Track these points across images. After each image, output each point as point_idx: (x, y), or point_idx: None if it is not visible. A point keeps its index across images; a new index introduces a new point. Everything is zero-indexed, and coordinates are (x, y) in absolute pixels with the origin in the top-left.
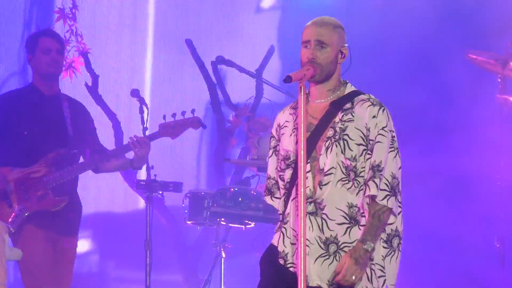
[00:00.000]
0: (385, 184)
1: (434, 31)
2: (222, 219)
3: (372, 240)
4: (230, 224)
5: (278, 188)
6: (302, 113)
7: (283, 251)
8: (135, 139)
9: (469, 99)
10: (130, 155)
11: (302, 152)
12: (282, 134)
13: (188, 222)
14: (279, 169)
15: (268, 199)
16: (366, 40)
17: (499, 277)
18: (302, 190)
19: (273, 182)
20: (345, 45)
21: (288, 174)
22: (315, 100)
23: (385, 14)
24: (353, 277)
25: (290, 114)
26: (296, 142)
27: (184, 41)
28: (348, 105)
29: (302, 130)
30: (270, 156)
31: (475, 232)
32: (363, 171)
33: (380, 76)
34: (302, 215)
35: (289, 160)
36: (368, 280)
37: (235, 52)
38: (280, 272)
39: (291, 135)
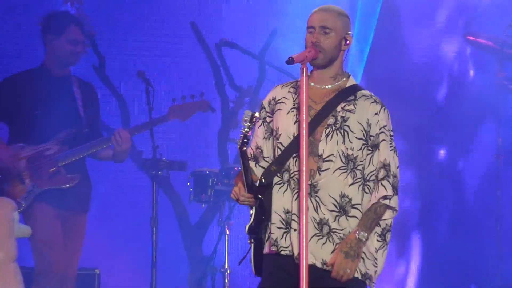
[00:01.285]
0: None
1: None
2: (226, 197)
3: (366, 230)
4: (233, 202)
5: (263, 158)
6: (303, 94)
7: (272, 238)
8: (117, 135)
9: (466, 80)
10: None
11: (304, 134)
12: (278, 109)
13: (193, 200)
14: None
15: (252, 164)
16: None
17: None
18: (304, 175)
19: (260, 151)
20: (349, 32)
21: (268, 152)
22: (316, 84)
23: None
24: (348, 271)
25: (289, 92)
26: (295, 122)
27: (189, 23)
28: (351, 97)
29: (304, 112)
30: (260, 126)
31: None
32: (361, 164)
33: (386, 65)
34: (303, 209)
35: (278, 140)
36: (361, 263)
37: (239, 35)
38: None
39: (288, 113)
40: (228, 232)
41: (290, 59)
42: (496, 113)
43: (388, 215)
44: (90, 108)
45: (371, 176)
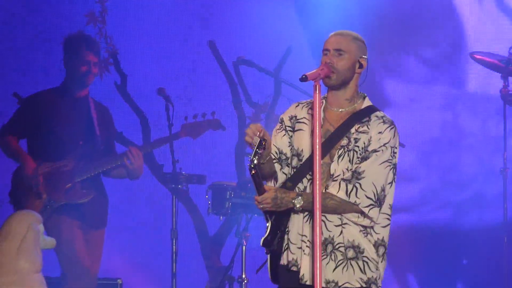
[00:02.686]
0: (373, 192)
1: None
2: (243, 209)
3: (305, 201)
4: (250, 214)
5: (287, 164)
6: (316, 111)
7: (293, 259)
8: (129, 153)
9: (472, 97)
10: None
11: (317, 153)
12: (299, 129)
13: (211, 213)
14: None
15: (277, 167)
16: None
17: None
18: (317, 194)
19: (284, 157)
20: (364, 56)
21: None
22: (333, 107)
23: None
24: (261, 206)
25: (308, 113)
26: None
27: (207, 42)
28: (365, 119)
29: (317, 129)
30: (284, 135)
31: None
32: None
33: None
34: (317, 221)
35: (299, 159)
36: (362, 272)
37: (255, 53)
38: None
39: (310, 135)
40: (245, 244)
41: (304, 76)
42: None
43: (378, 230)
44: (105, 128)
45: None
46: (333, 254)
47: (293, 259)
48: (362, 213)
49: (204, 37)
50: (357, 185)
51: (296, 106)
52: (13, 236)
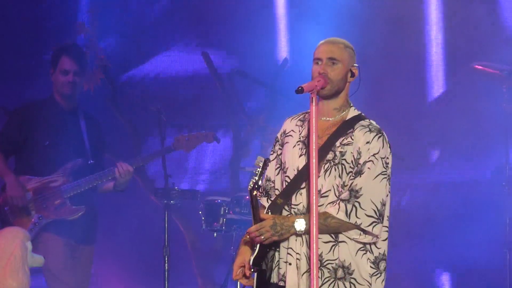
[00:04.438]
0: (373, 210)
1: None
2: (237, 225)
3: (307, 223)
4: (245, 230)
5: (274, 191)
6: (313, 122)
7: (282, 274)
8: (120, 168)
9: (475, 109)
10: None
11: (314, 164)
12: (286, 142)
13: (205, 229)
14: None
15: (264, 201)
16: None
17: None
18: (314, 208)
19: (272, 185)
20: (355, 65)
21: (278, 185)
22: (321, 117)
23: (391, 21)
24: (262, 237)
25: (296, 125)
26: (300, 156)
27: (201, 53)
28: (349, 130)
29: (313, 139)
30: (273, 159)
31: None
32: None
33: (387, 83)
34: (314, 234)
35: (285, 174)
36: None
37: (250, 64)
38: None
39: (294, 146)
40: None
41: (300, 88)
42: (505, 140)
43: (380, 244)
44: (95, 141)
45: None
46: (319, 271)
47: (281, 274)
48: (364, 230)
49: (198, 48)
50: (356, 204)
51: (286, 120)
52: (1, 254)
